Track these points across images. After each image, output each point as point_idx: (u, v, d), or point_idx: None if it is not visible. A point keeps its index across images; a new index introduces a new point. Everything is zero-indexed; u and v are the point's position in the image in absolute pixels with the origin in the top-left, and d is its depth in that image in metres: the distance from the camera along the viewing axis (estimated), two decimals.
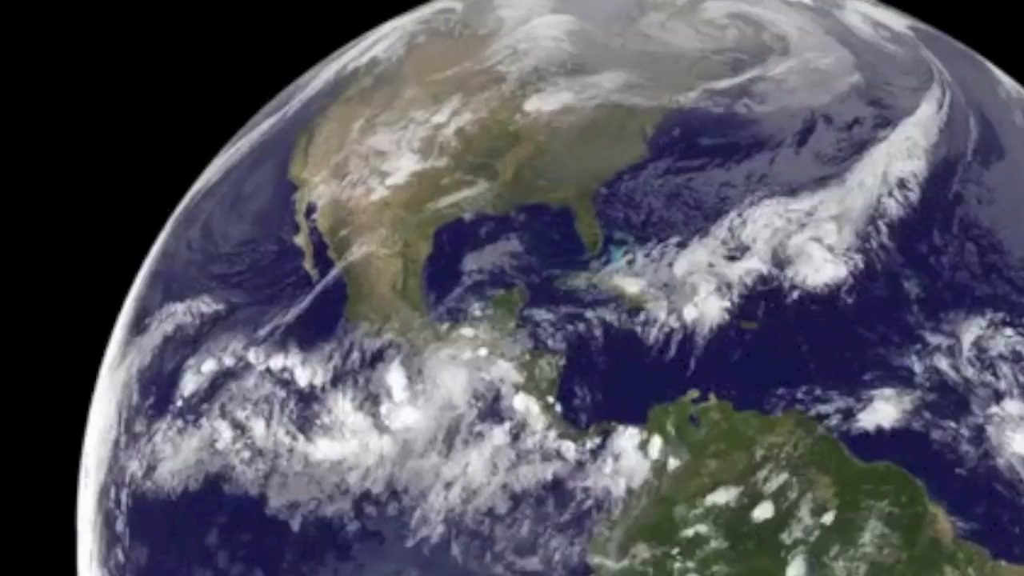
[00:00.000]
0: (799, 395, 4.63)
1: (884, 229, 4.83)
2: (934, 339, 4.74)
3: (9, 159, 7.36)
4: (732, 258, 4.75)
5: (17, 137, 7.37)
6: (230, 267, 5.21)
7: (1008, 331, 4.81)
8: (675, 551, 4.55)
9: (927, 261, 4.83)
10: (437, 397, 4.70)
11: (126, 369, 5.39)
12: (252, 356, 4.97)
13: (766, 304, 4.70)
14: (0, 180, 7.33)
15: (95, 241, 7.24)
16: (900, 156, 4.97)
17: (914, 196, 4.91)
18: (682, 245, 4.76)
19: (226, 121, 5.90)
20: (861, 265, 4.77)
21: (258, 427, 4.90)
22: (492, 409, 4.66)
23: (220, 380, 5.02)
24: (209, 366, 5.05)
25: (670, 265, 4.74)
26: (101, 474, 5.37)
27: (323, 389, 4.83)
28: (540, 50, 5.22)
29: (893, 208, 4.87)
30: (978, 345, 4.77)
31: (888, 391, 4.66)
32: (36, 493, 6.96)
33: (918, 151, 5.01)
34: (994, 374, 4.76)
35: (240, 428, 4.93)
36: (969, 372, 4.74)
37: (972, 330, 4.78)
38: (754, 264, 4.74)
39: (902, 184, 4.92)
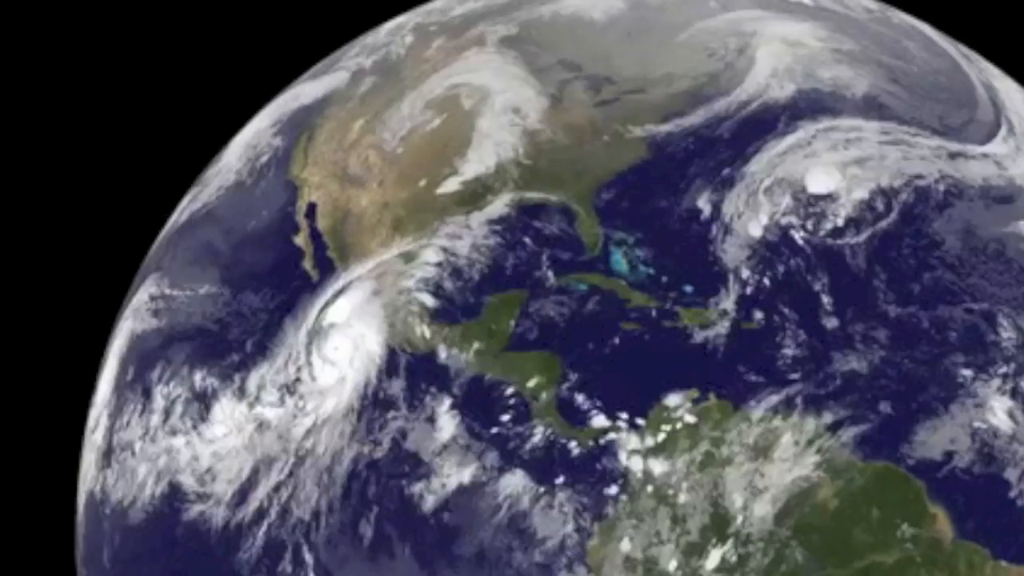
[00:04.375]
0: (799, 395, 4.63)
1: (894, 220, 4.84)
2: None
3: (9, 159, 7.37)
4: (732, 257, 4.75)
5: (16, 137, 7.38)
6: (228, 267, 5.21)
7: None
8: (675, 552, 4.55)
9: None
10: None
11: (115, 356, 5.43)
12: (246, 355, 4.98)
13: (767, 304, 4.70)
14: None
15: (92, 240, 7.26)
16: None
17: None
18: (681, 244, 4.76)
19: (225, 121, 5.90)
20: (865, 264, 4.78)
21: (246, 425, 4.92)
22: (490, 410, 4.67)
23: (208, 378, 5.03)
24: (199, 362, 5.07)
25: (670, 264, 4.74)
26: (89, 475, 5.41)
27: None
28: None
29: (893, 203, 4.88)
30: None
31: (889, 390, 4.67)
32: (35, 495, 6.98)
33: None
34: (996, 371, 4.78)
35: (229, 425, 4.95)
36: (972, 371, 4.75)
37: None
38: (752, 263, 4.74)
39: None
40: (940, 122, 5.12)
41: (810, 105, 5.00)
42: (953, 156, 5.03)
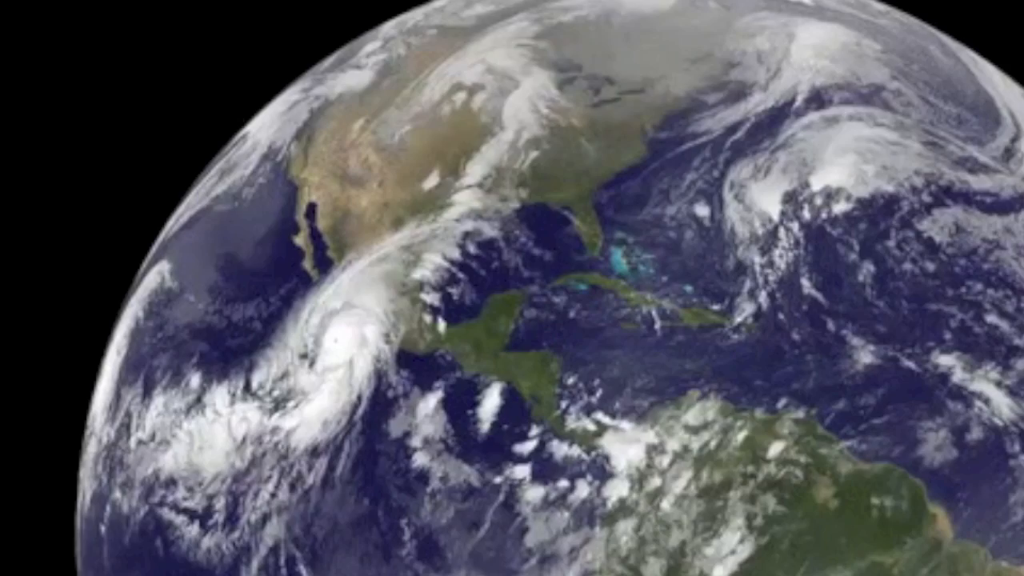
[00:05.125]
0: (799, 395, 4.63)
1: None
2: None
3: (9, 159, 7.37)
4: (732, 257, 4.75)
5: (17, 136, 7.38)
6: (228, 266, 5.21)
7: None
8: (675, 553, 4.55)
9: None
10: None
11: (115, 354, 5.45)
12: (245, 355, 4.99)
13: (767, 304, 4.70)
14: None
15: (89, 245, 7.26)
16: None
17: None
18: (681, 244, 4.76)
19: (225, 121, 5.90)
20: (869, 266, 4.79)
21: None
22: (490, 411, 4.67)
23: (206, 378, 5.04)
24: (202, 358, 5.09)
25: (670, 264, 4.74)
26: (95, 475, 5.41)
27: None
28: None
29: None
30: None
31: (890, 391, 4.67)
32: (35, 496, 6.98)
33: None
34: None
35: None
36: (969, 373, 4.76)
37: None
38: (753, 262, 4.74)
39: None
40: (953, 126, 5.12)
41: (817, 104, 5.01)
42: (964, 161, 5.03)
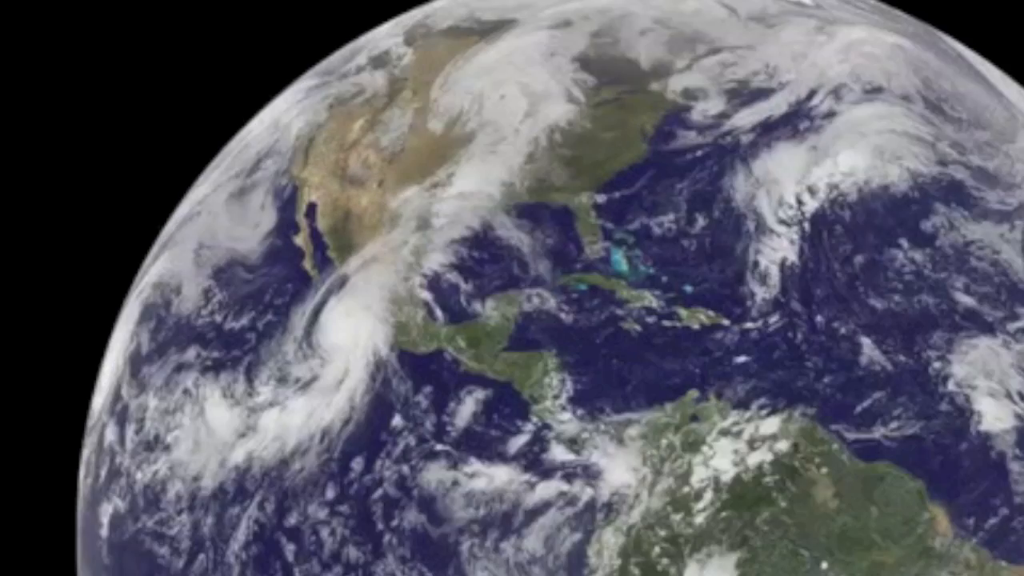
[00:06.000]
0: (799, 395, 4.63)
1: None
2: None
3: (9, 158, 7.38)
4: (731, 257, 4.76)
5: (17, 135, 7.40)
6: (227, 267, 5.21)
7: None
8: (675, 553, 4.55)
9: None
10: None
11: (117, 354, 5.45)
12: (245, 356, 5.00)
13: (767, 304, 4.71)
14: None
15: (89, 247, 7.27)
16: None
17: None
18: (681, 244, 4.76)
19: (226, 120, 5.91)
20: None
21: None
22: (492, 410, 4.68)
23: (204, 379, 5.05)
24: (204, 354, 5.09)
25: (670, 264, 4.74)
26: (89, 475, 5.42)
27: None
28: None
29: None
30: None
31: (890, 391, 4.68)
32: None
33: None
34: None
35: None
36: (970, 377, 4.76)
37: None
38: (751, 263, 4.75)
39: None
40: (969, 131, 5.14)
41: (822, 105, 5.02)
42: (974, 167, 5.04)
